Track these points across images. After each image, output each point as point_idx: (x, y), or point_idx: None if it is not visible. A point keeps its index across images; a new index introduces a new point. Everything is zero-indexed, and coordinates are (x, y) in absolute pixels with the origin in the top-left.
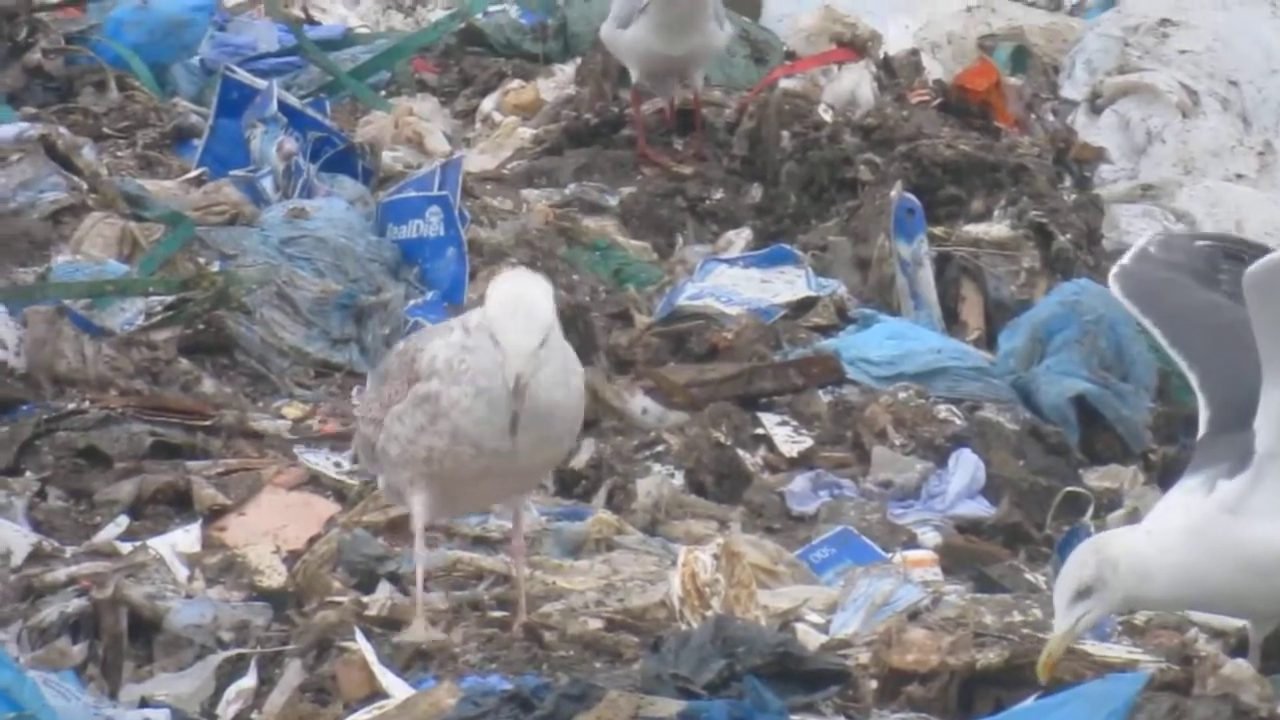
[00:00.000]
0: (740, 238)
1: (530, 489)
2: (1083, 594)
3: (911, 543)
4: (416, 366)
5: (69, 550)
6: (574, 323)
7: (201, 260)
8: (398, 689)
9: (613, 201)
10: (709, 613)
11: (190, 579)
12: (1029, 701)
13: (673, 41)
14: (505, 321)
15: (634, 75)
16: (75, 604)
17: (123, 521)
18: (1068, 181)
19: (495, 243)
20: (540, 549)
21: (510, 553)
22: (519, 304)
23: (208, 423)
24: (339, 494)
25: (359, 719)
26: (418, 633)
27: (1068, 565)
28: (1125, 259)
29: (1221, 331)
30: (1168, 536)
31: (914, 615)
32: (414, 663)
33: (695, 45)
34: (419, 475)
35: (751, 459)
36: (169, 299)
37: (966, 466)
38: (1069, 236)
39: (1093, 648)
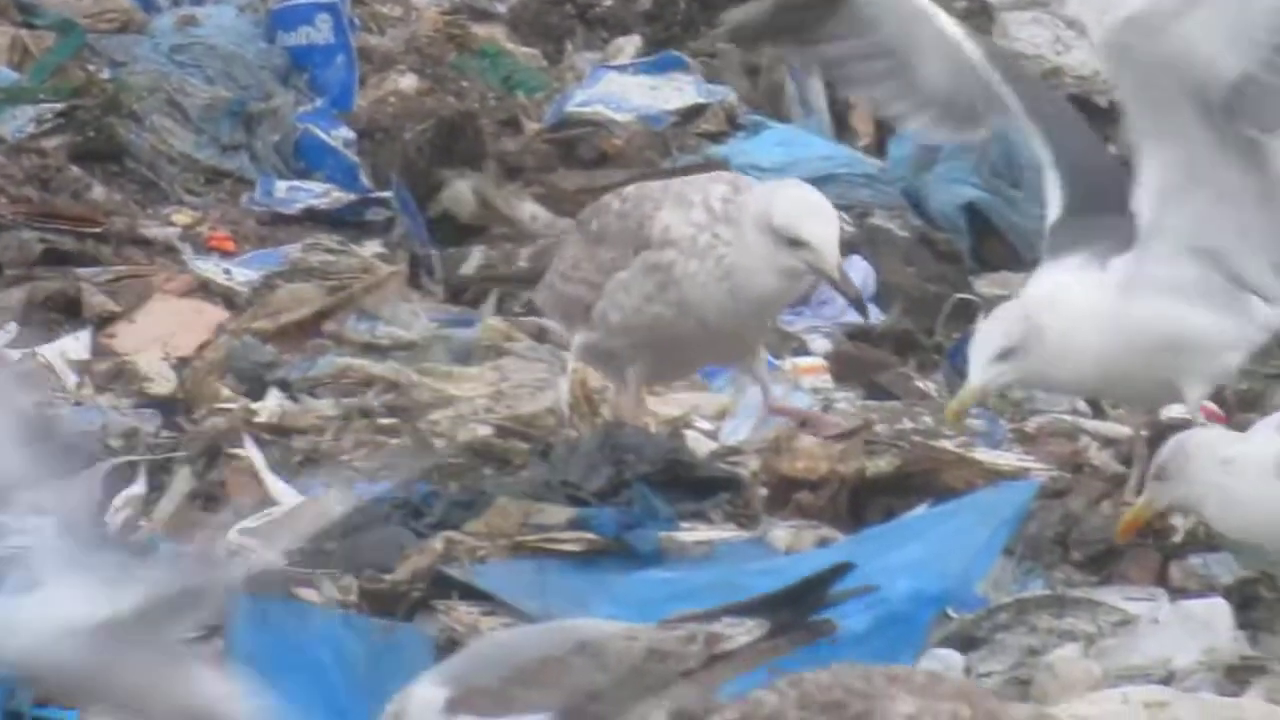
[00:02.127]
0: (630, 45)
1: (750, 354)
2: (1005, 355)
3: (801, 350)
4: (645, 233)
5: None
6: (463, 129)
7: (91, 68)
8: (287, 496)
9: (502, 8)
10: (598, 420)
11: (79, 386)
12: (919, 510)
13: None
14: (812, 223)
15: None
16: None
17: (12, 329)
18: None
19: (385, 50)
20: (429, 355)
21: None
22: (814, 204)
23: (98, 230)
24: (228, 301)
25: (248, 526)
26: None
27: (996, 323)
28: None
29: (1078, 119)
30: (1079, 320)
31: (804, 423)
32: (303, 469)
33: None
34: (641, 342)
35: None
36: (59, 106)
37: (856, 273)
38: None
39: (983, 455)
